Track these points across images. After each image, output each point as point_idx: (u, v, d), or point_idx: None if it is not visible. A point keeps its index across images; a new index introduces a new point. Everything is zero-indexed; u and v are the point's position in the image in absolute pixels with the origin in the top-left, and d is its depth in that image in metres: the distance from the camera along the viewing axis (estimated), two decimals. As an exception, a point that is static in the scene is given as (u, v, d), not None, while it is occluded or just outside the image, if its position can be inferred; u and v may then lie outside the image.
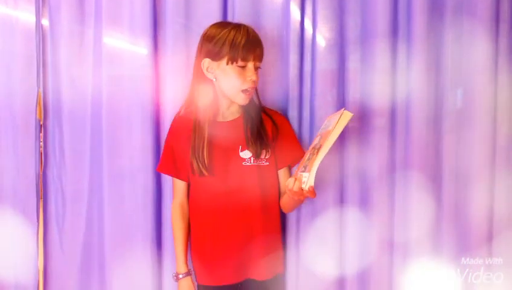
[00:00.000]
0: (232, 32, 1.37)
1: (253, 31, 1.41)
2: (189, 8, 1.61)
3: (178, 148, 1.47)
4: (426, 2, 1.52)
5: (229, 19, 1.61)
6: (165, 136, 1.58)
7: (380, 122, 1.55)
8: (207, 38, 1.40)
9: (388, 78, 1.54)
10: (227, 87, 1.40)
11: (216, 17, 1.58)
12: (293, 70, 1.57)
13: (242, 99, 1.41)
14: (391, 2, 1.53)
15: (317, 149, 1.26)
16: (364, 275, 1.58)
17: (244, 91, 1.40)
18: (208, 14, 1.59)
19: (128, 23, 1.62)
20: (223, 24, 1.43)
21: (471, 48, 1.52)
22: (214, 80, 1.41)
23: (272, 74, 1.62)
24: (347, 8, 1.57)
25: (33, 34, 1.67)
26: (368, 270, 1.57)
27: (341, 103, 1.58)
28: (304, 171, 1.28)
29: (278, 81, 1.62)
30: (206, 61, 1.40)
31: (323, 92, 1.57)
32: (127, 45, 1.63)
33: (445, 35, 1.54)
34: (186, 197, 1.53)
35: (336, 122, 1.26)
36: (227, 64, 1.37)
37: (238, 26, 1.40)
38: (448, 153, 1.54)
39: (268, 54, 1.60)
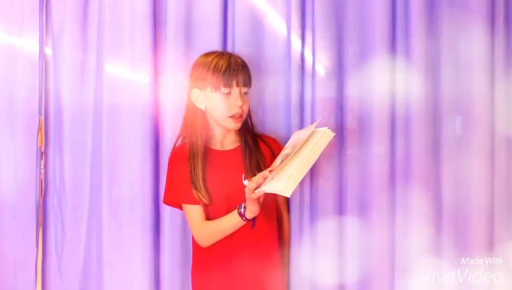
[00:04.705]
0: (215, 60, 1.40)
1: (237, 57, 1.44)
2: (190, 37, 1.63)
3: (181, 178, 1.45)
4: (424, 30, 1.53)
5: (229, 47, 1.63)
6: (165, 164, 1.59)
7: (378, 150, 1.55)
8: (194, 68, 1.45)
9: (386, 104, 1.55)
10: (216, 115, 1.43)
11: (216, 46, 1.60)
12: (294, 98, 1.58)
13: (232, 125, 1.42)
14: (389, 29, 1.55)
15: (290, 154, 1.28)
16: (365, 282, 1.56)
17: (232, 117, 1.40)
18: (208, 43, 1.61)
19: (130, 51, 1.64)
20: (209, 53, 1.45)
21: (470, 68, 1.53)
22: (203, 108, 1.43)
23: (273, 102, 1.63)
24: (345, 36, 1.59)
25: (36, 62, 1.69)
26: (369, 277, 1.55)
27: (339, 130, 1.58)
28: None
29: (279, 109, 1.63)
30: (195, 92, 1.44)
31: (323, 119, 1.58)
32: (128, 73, 1.64)
33: (443, 60, 1.55)
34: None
35: (317, 140, 1.28)
36: (211, 92, 1.40)
37: (221, 54, 1.43)
38: (448, 157, 1.55)
39: (269, 82, 1.62)
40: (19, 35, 1.70)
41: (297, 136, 1.38)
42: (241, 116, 1.42)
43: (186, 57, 1.62)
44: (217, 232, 1.42)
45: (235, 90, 1.40)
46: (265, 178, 1.30)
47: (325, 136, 1.30)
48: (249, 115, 1.50)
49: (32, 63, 1.69)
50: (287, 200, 1.57)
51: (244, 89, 1.42)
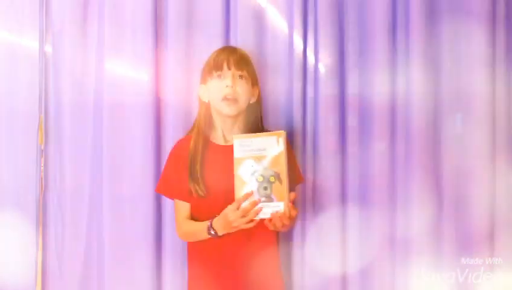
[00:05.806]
0: (212, 52, 1.47)
1: (231, 46, 1.50)
2: (191, 35, 1.64)
3: (176, 171, 1.46)
4: (424, 28, 1.55)
5: (231, 45, 1.62)
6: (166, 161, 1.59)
7: (379, 147, 1.56)
8: (203, 66, 1.49)
9: (387, 102, 1.55)
10: (212, 100, 1.44)
11: (217, 44, 1.60)
12: (296, 96, 1.59)
13: (226, 109, 1.41)
14: (390, 28, 1.56)
15: (276, 177, 1.26)
16: (366, 274, 1.57)
17: (224, 99, 1.40)
18: (210, 41, 1.61)
19: (130, 49, 1.64)
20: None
21: (470, 65, 1.55)
22: (207, 101, 1.46)
23: (275, 99, 1.63)
24: (347, 34, 1.60)
25: (36, 60, 1.68)
26: (370, 269, 1.57)
27: (342, 128, 1.58)
28: (266, 201, 1.27)
29: (281, 106, 1.63)
30: (202, 87, 1.48)
31: (326, 117, 1.59)
32: (129, 70, 1.64)
33: (443, 57, 1.56)
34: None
35: (277, 146, 1.27)
36: (210, 80, 1.43)
37: (222, 47, 1.50)
38: (449, 156, 1.56)
39: (271, 80, 1.63)
40: (19, 33, 1.69)
41: (252, 144, 1.30)
42: (234, 99, 1.41)
43: (187, 54, 1.62)
44: (189, 234, 1.45)
45: (227, 73, 1.41)
46: (254, 204, 1.27)
47: (282, 138, 1.28)
48: (260, 117, 1.50)
49: (33, 61, 1.69)
50: None
51: (237, 72, 1.42)
